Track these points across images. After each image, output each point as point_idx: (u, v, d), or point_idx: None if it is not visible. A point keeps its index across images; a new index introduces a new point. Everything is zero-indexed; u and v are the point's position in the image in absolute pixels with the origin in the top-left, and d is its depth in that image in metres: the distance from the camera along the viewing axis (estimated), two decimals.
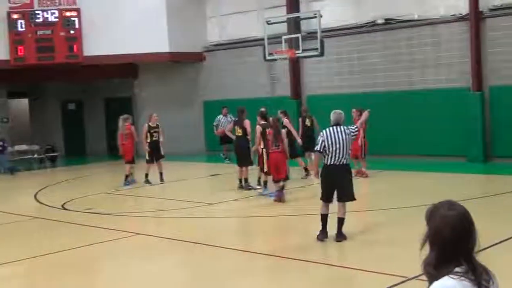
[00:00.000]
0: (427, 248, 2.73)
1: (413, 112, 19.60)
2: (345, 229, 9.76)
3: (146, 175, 17.19)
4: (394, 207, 12.16)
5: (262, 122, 14.19)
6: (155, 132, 17.22)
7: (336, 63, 21.41)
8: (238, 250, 9.60)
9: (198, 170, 21.10)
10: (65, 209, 14.13)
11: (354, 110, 16.46)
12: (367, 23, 20.63)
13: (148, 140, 17.16)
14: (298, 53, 19.40)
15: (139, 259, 9.47)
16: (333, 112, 9.81)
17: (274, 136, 13.61)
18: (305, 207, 12.53)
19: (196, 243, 10.10)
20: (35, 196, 16.28)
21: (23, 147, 24.92)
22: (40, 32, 22.69)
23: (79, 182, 19.65)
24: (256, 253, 9.49)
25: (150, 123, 17.27)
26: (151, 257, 9.58)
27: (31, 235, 11.77)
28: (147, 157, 17.22)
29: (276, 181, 13.56)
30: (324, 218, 9.59)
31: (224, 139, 19.70)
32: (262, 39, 20.22)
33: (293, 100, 22.28)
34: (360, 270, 8.11)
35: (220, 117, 22.19)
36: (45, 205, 14.92)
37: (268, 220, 12.17)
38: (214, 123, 22.11)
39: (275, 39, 19.95)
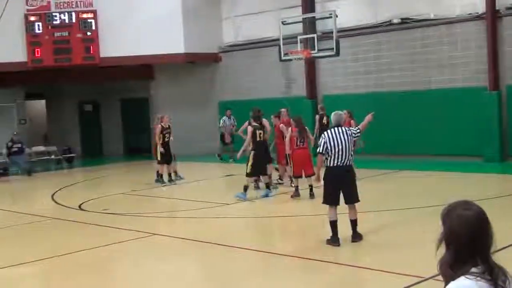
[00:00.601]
0: (443, 249, 2.70)
1: (429, 112, 19.47)
2: (360, 230, 9.71)
3: (161, 176, 17.23)
4: (409, 207, 12.08)
5: (255, 123, 14.15)
6: (167, 133, 17.24)
7: (351, 63, 21.34)
8: (253, 250, 9.58)
9: (213, 170, 21.12)
10: (82, 209, 14.20)
11: (345, 111, 16.43)
12: (383, 22, 20.54)
13: (161, 141, 17.15)
14: (313, 53, 19.35)
15: (155, 259, 9.48)
16: (334, 113, 9.75)
17: (300, 133, 13.81)
18: (321, 206, 12.46)
19: (212, 243, 10.09)
20: (52, 197, 16.36)
21: (41, 148, 25.10)
22: (57, 34, 22.82)
23: (95, 182, 19.74)
24: (271, 253, 9.47)
25: (162, 124, 17.24)
26: (167, 257, 9.59)
27: (48, 235, 11.83)
28: (159, 158, 17.18)
29: (297, 176, 13.88)
30: (334, 224, 9.41)
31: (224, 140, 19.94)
32: (278, 40, 20.18)
33: (309, 100, 22.24)
34: (377, 271, 8.06)
35: (225, 118, 22.28)
36: (62, 205, 15.00)
37: (284, 220, 12.15)
38: (220, 125, 22.27)
39: (290, 39, 19.91)
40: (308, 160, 13.79)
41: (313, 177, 12.68)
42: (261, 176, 14.57)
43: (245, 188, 13.81)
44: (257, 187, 15.13)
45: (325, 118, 18.10)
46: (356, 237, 9.44)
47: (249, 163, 13.84)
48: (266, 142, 14.42)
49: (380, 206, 12.29)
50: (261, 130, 14.03)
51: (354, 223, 9.48)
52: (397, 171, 17.52)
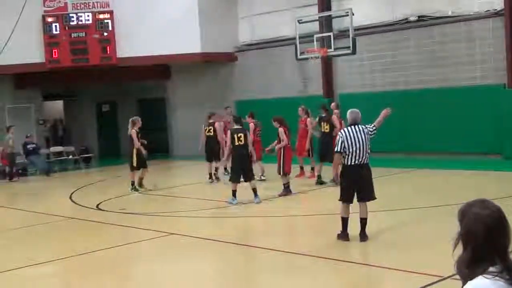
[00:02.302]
0: (460, 248, 2.68)
1: (447, 110, 19.35)
2: (378, 228, 9.69)
3: (133, 183, 16.70)
4: (426, 206, 12.04)
5: (236, 126, 13.78)
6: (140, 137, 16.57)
7: (368, 61, 21.28)
8: (272, 249, 9.57)
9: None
10: (99, 209, 14.29)
11: (332, 104, 16.66)
12: (400, 20, 20.44)
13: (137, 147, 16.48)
14: (330, 52, 19.35)
15: (173, 259, 9.52)
16: (350, 111, 9.73)
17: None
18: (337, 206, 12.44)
19: (231, 242, 10.11)
20: (70, 197, 16.48)
21: (59, 148, 25.27)
22: (74, 35, 22.96)
23: (113, 182, 19.84)
24: (290, 252, 9.47)
25: (135, 128, 16.55)
26: (185, 257, 9.62)
27: (67, 235, 11.92)
28: (134, 164, 16.51)
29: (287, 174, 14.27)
30: (345, 221, 9.53)
31: None
32: (294, 38, 20.19)
33: (326, 99, 22.17)
34: (394, 270, 8.03)
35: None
36: (80, 205, 15.10)
37: (300, 219, 12.17)
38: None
39: (307, 38, 19.92)
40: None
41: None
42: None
43: (233, 192, 13.50)
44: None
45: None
46: (364, 237, 9.43)
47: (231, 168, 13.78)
48: (246, 145, 13.54)
49: (396, 204, 12.25)
50: (240, 133, 13.50)
51: (364, 222, 9.47)
52: (414, 169, 17.44)
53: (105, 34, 23.09)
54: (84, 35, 22.94)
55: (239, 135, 13.44)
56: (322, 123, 15.81)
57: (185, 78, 26.03)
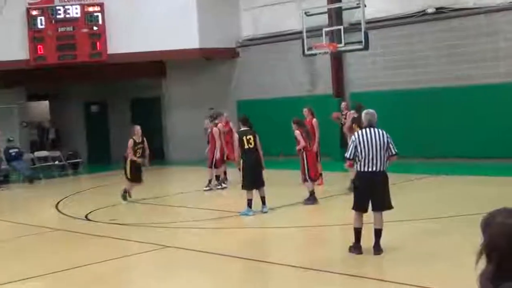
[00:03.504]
0: (484, 261, 2.68)
1: (468, 110, 19.33)
2: (394, 240, 9.66)
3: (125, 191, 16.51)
4: (446, 216, 12.00)
5: (244, 128, 13.73)
6: (140, 148, 16.27)
7: (382, 57, 21.26)
8: (279, 264, 9.55)
9: (232, 176, 21.04)
10: (88, 220, 14.28)
11: (305, 109, 16.74)
12: (417, 12, 20.44)
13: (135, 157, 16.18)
14: (340, 47, 19.34)
15: (170, 274, 9.50)
16: (365, 112, 9.66)
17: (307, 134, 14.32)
18: (344, 215, 12.43)
19: (235, 256, 10.09)
20: (56, 206, 16.46)
21: (44, 153, 25.26)
22: (61, 29, 23.00)
23: (103, 191, 19.83)
24: (299, 267, 9.44)
25: (134, 138, 16.22)
26: (181, 273, 9.61)
27: (53, 248, 11.91)
28: (129, 176, 16.27)
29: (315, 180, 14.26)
30: (358, 232, 9.47)
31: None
32: (301, 32, 20.19)
33: (335, 98, 22.17)
34: (411, 286, 8.01)
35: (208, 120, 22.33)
36: (67, 215, 15.09)
37: (309, 230, 12.17)
38: (205, 125, 22.05)
39: (314, 32, 19.92)
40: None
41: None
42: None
43: (248, 202, 13.44)
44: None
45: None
46: (378, 249, 9.40)
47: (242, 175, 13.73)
48: (257, 149, 13.55)
49: (414, 214, 12.23)
50: (250, 135, 13.44)
51: (378, 233, 9.44)
52: (432, 176, 17.43)
53: (95, 28, 23.13)
54: (72, 29, 22.98)
55: (248, 137, 13.41)
56: (353, 125, 15.80)
57: (182, 76, 26.04)
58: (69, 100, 29.06)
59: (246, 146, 13.43)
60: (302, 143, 14.29)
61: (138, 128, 16.38)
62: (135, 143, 16.13)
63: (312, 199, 14.22)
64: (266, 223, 12.92)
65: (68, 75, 24.88)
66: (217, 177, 17.73)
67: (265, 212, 13.45)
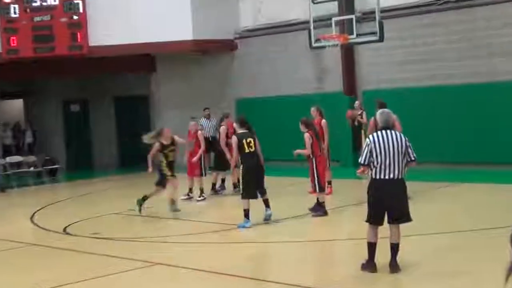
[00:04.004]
0: None
1: (495, 109, 19.34)
2: (413, 256, 9.62)
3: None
4: (471, 229, 11.98)
5: (241, 130, 13.80)
6: (171, 151, 16.18)
7: (399, 50, 21.25)
8: (285, 284, 9.51)
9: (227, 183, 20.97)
10: (67, 233, 14.25)
11: (313, 108, 16.72)
12: (437, 0, 20.45)
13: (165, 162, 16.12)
14: (351, 39, 19.32)
15: None
16: (380, 112, 9.60)
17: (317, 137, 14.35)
18: (357, 229, 12.42)
19: (234, 275, 10.05)
20: (31, 218, 16.45)
21: (17, 158, 25.21)
22: (37, 19, 22.99)
23: (84, 200, 19.80)
24: (300, 286, 9.42)
25: (163, 140, 16.14)
26: None
27: (26, 265, 11.85)
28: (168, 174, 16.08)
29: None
30: (372, 247, 9.43)
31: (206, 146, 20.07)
32: (307, 22, 20.18)
33: (346, 96, 22.17)
34: None
35: (203, 121, 22.36)
36: (44, 229, 15.06)
37: (317, 245, 12.16)
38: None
39: (323, 21, 19.92)
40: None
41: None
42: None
43: (245, 213, 13.49)
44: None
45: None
46: (395, 267, 9.37)
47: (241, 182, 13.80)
48: (257, 153, 13.71)
49: (434, 227, 12.22)
50: (250, 138, 13.53)
51: (395, 248, 9.41)
52: (455, 184, 17.46)
53: (75, 17, 23.11)
54: (49, 18, 22.96)
55: (248, 140, 13.49)
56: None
57: (173, 72, 26.03)
58: (46, 98, 29.06)
59: (246, 150, 13.47)
60: (308, 149, 14.28)
61: (167, 130, 16.44)
62: (164, 146, 15.97)
63: (321, 210, 14.23)
64: (268, 237, 12.89)
65: (45, 70, 24.86)
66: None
67: (269, 215, 13.60)
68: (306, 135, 14.30)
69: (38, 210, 17.57)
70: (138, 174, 24.27)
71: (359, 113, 19.18)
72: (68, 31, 23.05)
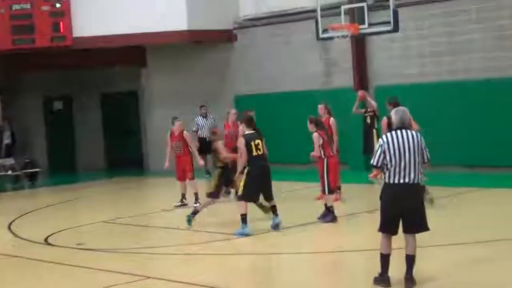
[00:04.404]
0: None
1: None
2: (431, 269, 9.60)
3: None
4: (497, 239, 11.96)
5: (249, 131, 13.88)
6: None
7: (415, 41, 21.24)
8: None
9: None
10: (49, 244, 14.21)
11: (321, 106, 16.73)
12: None
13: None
14: (363, 29, 19.29)
15: None
16: (395, 110, 9.58)
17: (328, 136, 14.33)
18: (369, 238, 12.40)
19: None
20: (9, 227, 16.41)
21: None
22: (15, 7, 22.97)
23: (68, 207, 19.78)
24: None
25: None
26: None
27: (4, 280, 11.83)
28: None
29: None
30: (385, 259, 9.40)
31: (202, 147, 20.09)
32: (314, 11, 20.16)
33: (356, 92, 22.13)
34: None
35: (199, 119, 22.40)
36: (23, 239, 15.03)
37: (324, 257, 12.16)
38: (194, 129, 22.27)
39: (331, 10, 19.89)
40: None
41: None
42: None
43: (242, 218, 13.57)
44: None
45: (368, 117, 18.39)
46: (411, 281, 9.34)
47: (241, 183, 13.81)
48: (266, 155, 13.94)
49: (456, 237, 12.21)
50: (258, 139, 13.66)
51: (411, 260, 9.37)
52: (479, 189, 17.42)
53: (58, 5, 23.10)
54: (29, 7, 22.95)
55: (256, 142, 13.63)
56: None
57: (166, 65, 26.01)
58: (26, 95, 28.98)
59: (254, 153, 13.54)
60: (316, 151, 14.33)
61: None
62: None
63: (330, 216, 14.26)
64: (269, 248, 12.89)
65: (24, 63, 24.89)
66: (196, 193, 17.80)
67: (277, 224, 13.74)
68: (315, 135, 14.32)
69: (16, 218, 17.53)
70: (127, 178, 24.31)
71: (369, 110, 19.04)
72: (50, 21, 23.04)
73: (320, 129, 14.49)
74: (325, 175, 14.36)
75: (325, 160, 14.42)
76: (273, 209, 13.83)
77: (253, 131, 13.77)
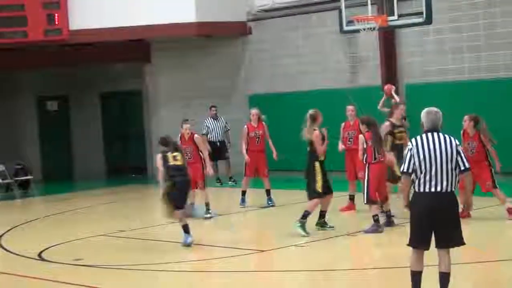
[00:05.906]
0: None
1: None
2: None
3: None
4: None
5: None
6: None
7: (450, 34, 21.21)
8: None
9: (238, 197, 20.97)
10: (43, 259, 14.24)
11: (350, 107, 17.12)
12: None
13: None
14: (392, 21, 19.29)
15: None
16: (426, 111, 9.53)
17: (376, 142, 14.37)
18: (397, 254, 12.41)
19: None
20: None
21: None
22: None
23: (64, 219, 19.81)
24: None
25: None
26: None
27: None
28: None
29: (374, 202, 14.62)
30: (416, 276, 9.36)
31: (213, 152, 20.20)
32: (338, 1, 20.18)
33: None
34: None
35: (209, 121, 22.43)
36: (14, 253, 15.04)
37: (346, 274, 12.15)
38: (204, 132, 22.32)
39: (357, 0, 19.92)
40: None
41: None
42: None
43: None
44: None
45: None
46: None
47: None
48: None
49: (494, 252, 12.22)
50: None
51: (445, 278, 9.36)
52: None
53: None
54: None
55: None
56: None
57: (172, 62, 26.03)
58: (17, 94, 29.08)
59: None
60: (359, 156, 14.65)
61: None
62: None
63: (375, 225, 14.43)
64: (287, 265, 12.91)
65: (16, 60, 24.92)
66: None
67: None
68: (360, 137, 14.46)
69: (7, 231, 17.58)
70: (129, 187, 24.34)
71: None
72: (43, 12, 23.09)
73: (372, 130, 14.54)
74: (366, 182, 14.48)
75: (367, 166, 14.50)
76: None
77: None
